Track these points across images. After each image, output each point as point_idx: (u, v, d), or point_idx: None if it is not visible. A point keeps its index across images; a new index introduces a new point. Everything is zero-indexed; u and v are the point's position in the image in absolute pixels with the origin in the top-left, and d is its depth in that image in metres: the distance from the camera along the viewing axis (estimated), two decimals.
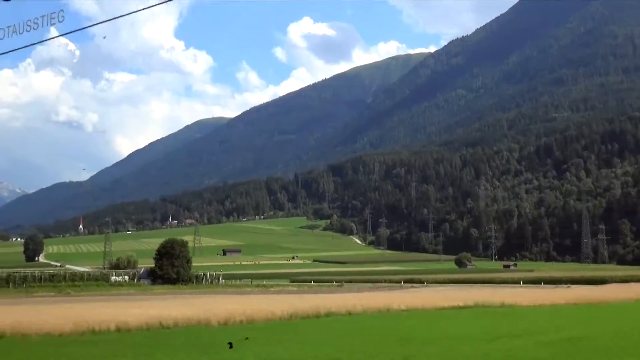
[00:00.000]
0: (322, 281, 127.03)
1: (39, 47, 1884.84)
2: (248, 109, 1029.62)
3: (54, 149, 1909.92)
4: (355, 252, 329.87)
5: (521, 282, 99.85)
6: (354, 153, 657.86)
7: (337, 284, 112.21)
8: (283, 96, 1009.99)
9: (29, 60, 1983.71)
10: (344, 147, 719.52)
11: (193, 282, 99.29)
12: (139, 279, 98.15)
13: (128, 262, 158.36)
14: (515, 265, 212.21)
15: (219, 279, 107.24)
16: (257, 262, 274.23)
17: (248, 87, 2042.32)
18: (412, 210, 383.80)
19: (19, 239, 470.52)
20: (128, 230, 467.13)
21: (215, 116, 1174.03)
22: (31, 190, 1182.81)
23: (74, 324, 26.51)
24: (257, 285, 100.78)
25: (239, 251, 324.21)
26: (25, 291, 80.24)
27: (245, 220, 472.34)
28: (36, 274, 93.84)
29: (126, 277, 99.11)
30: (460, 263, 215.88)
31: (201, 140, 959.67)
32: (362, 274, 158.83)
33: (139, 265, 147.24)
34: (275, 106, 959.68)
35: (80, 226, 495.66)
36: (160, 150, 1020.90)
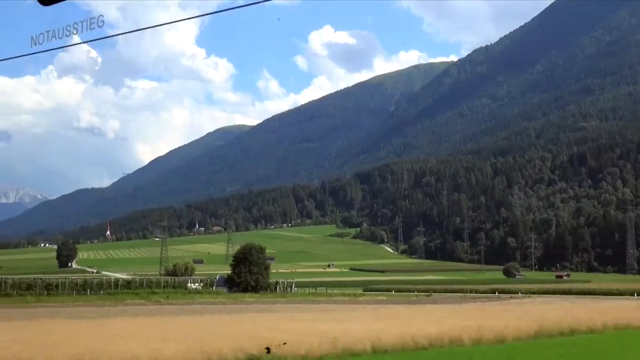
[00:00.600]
0: (401, 290, 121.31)
1: (60, 54, 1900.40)
2: (270, 116, 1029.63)
3: (76, 155, 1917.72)
4: (390, 261, 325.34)
5: (635, 295, 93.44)
6: (377, 161, 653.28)
7: (425, 294, 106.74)
8: (305, 104, 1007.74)
9: (51, 67, 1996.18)
10: (368, 155, 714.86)
11: (271, 290, 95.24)
12: (215, 287, 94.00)
13: (185, 268, 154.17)
14: (568, 275, 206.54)
15: (291, 287, 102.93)
16: (293, 270, 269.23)
17: (269, 95, 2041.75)
18: (444, 219, 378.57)
19: (47, 245, 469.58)
20: (156, 237, 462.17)
21: (236, 124, 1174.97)
22: (53, 197, 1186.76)
23: (330, 343, 22.41)
24: (343, 294, 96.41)
25: (272, 259, 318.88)
26: (114, 299, 75.77)
27: (273, 228, 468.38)
28: (112, 281, 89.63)
29: (199, 285, 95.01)
30: (508, 273, 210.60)
31: (223, 148, 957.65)
32: (421, 283, 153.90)
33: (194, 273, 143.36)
34: (298, 114, 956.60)
35: (108, 232, 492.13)
36: (182, 157, 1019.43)
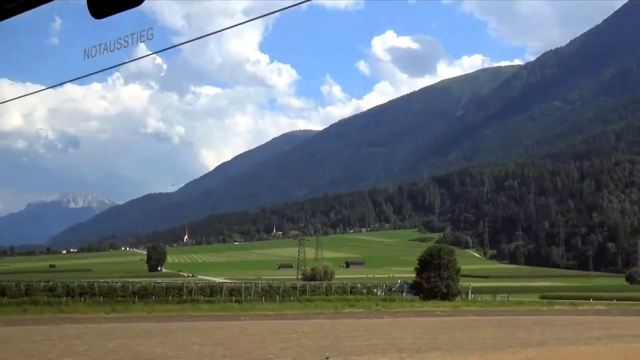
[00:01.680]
0: (571, 298, 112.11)
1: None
2: (336, 121, 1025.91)
3: (142, 161, 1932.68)
4: (481, 267, 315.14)
5: None
6: (447, 166, 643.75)
7: (592, 301, 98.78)
8: (371, 109, 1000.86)
9: (117, 74, 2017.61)
10: (437, 159, 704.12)
11: (461, 297, 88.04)
12: (405, 293, 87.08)
13: (325, 272, 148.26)
14: None
15: (467, 293, 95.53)
16: (389, 275, 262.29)
17: (332, 101, 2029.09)
18: (532, 223, 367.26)
19: (128, 248, 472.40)
20: (235, 241, 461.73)
21: (301, 129, 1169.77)
22: (120, 202, 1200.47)
23: None
24: (542, 303, 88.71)
25: (362, 263, 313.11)
26: (303, 306, 69.50)
27: (352, 232, 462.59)
28: (280, 285, 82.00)
29: (382, 292, 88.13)
30: (632, 279, 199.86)
31: (289, 153, 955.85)
32: (561, 290, 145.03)
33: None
34: (363, 119, 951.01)
35: (186, 236, 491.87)
36: (248, 163, 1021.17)
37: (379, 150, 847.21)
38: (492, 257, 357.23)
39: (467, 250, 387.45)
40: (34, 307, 59.29)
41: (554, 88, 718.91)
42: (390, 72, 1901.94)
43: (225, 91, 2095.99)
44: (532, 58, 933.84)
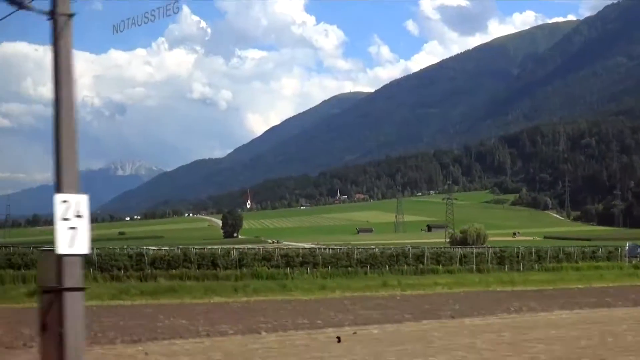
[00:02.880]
0: None
1: (171, 26, 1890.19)
2: (386, 82, 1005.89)
3: (189, 127, 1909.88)
4: (569, 229, 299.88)
5: None
6: (506, 126, 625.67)
7: None
8: (423, 69, 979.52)
9: (161, 38, 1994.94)
10: (495, 119, 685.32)
11: None
12: (628, 256, 74.32)
13: (477, 235, 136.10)
14: None
15: None
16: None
17: (380, 61, 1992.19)
18: (615, 182, 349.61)
19: (191, 215, 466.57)
20: (302, 206, 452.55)
21: (350, 91, 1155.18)
22: (168, 169, 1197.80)
23: None
24: None
25: (444, 227, 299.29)
26: (556, 275, 56.39)
27: (420, 195, 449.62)
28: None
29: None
30: None
31: (340, 116, 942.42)
32: None
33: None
34: (415, 79, 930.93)
35: (248, 202, 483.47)
36: (297, 127, 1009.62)
37: (432, 112, 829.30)
38: (576, 219, 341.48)
39: (546, 212, 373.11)
40: (257, 281, 46.89)
41: (617, 43, 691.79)
42: (440, 31, 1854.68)
43: (271, 54, 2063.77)
44: (587, 13, 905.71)
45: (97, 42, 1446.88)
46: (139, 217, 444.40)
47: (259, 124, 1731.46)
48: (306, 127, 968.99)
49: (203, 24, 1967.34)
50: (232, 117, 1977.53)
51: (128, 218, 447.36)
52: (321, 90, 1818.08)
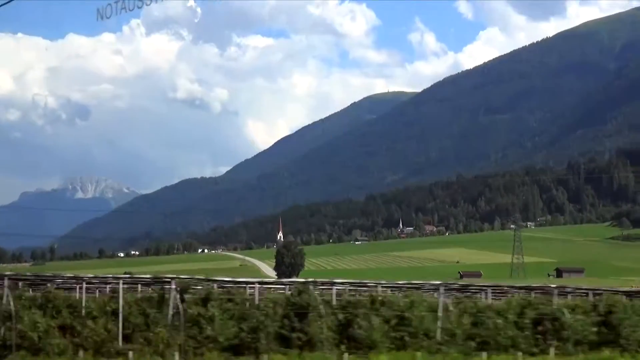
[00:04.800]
0: None
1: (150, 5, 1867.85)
2: (438, 80, 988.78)
3: (172, 136, 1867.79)
4: None
5: None
6: (607, 137, 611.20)
7: None
8: (486, 62, 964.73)
9: (136, 21, 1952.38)
10: (589, 129, 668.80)
11: None
12: None
13: None
14: None
15: None
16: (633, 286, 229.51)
17: (422, 53, 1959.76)
18: None
19: (206, 250, 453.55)
20: (357, 240, 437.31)
21: (389, 90, 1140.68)
22: (144, 190, 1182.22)
23: None
24: None
25: (581, 271, 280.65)
26: None
27: (513, 228, 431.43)
28: None
29: None
30: None
31: (375, 123, 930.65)
32: None
33: None
34: (477, 76, 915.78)
35: (280, 233, 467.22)
36: (316, 138, 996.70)
37: (500, 118, 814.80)
38: None
39: None
40: None
41: None
42: (502, 14, 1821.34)
43: (279, 42, 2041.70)
44: None
45: (51, 24, 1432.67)
46: (137, 254, 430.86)
47: (264, 133, 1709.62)
48: (329, 138, 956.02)
49: (191, 2, 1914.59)
50: (229, 124, 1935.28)
51: (122, 254, 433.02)
52: (345, 90, 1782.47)
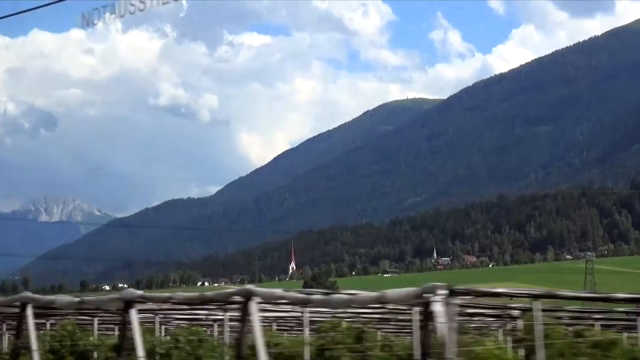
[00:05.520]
0: None
1: None
2: (467, 85, 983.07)
3: (153, 150, 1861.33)
4: None
5: None
6: None
7: None
8: (523, 65, 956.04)
9: (111, 15, 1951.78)
10: None
11: None
12: None
13: None
14: None
15: None
16: None
17: (446, 55, 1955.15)
18: None
19: (224, 284, 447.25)
20: (386, 273, 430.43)
21: (408, 97, 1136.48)
22: (121, 214, 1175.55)
23: None
24: None
25: None
26: None
27: (571, 259, 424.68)
28: None
29: None
30: None
31: (393, 135, 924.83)
32: None
33: None
34: (515, 81, 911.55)
35: (292, 263, 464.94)
36: (324, 152, 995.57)
37: (541, 130, 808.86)
38: None
39: None
40: None
41: None
42: (540, 10, 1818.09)
43: (278, 40, 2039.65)
44: None
45: (11, 18, 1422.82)
46: (125, 286, 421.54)
47: (261, 147, 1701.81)
48: (338, 153, 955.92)
49: None
50: (219, 135, 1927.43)
51: (108, 287, 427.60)
52: (356, 96, 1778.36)
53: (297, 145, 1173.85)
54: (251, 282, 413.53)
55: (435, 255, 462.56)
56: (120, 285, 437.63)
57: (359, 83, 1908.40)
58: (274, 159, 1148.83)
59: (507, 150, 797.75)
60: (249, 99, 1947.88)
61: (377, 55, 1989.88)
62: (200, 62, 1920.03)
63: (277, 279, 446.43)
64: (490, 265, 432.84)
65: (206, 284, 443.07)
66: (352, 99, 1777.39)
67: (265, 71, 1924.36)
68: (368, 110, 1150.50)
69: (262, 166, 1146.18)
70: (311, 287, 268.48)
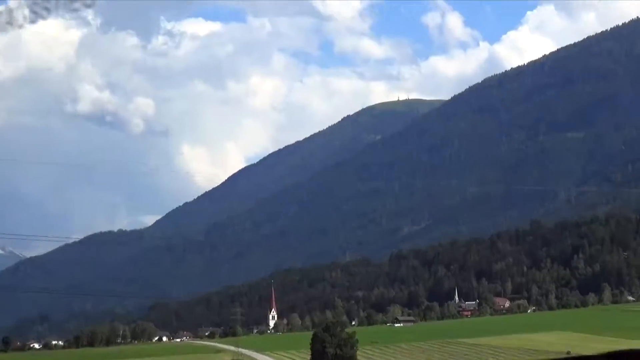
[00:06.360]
0: None
1: None
2: (479, 81, 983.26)
3: (69, 169, 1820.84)
4: None
5: None
6: None
7: None
8: (546, 56, 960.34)
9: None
10: None
11: None
12: None
13: None
14: None
15: None
16: None
17: (444, 44, 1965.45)
18: None
19: (187, 339, 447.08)
20: (396, 321, 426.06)
21: (399, 99, 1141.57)
22: (31, 251, 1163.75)
23: None
24: None
25: None
26: None
27: (634, 302, 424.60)
28: None
29: None
30: None
31: (382, 146, 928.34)
32: None
33: None
34: (535, 77, 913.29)
35: (273, 312, 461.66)
36: (293, 170, 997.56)
37: (571, 138, 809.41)
38: None
39: None
40: None
41: None
42: None
43: (230, 28, 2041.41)
44: None
45: None
46: (60, 343, 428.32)
47: (209, 164, 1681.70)
48: (312, 170, 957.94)
49: None
50: (156, 149, 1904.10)
51: (37, 345, 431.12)
52: (332, 98, 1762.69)
53: (256, 161, 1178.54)
54: (224, 335, 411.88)
55: (456, 298, 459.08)
56: (54, 342, 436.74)
57: (335, 81, 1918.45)
58: (228, 179, 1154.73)
59: (528, 164, 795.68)
60: (192, 103, 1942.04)
61: (357, 46, 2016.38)
62: (131, 56, 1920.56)
63: (255, 330, 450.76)
64: (529, 310, 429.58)
65: (164, 338, 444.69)
66: (327, 101, 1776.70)
67: (214, 67, 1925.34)
68: (348, 116, 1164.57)
69: (212, 189, 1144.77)
70: (324, 343, 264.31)
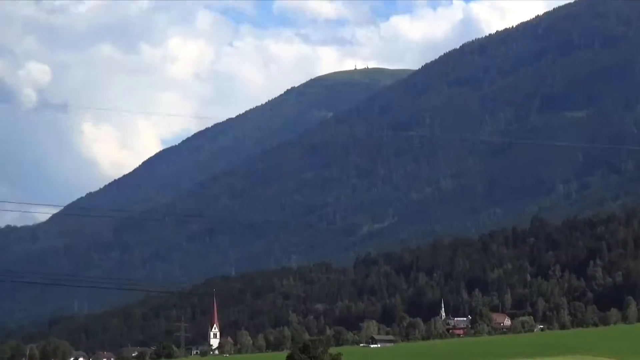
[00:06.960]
0: None
1: None
2: (457, 47, 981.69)
3: None
4: None
5: None
6: None
7: None
8: (540, 17, 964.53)
9: None
10: None
11: None
12: None
13: None
14: None
15: None
16: None
17: (408, 2, 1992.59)
18: None
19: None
20: (372, 342, 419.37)
21: (356, 68, 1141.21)
22: None
23: None
24: None
25: None
26: None
27: None
28: None
29: None
30: None
31: (335, 126, 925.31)
32: None
33: None
34: (526, 41, 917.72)
35: (215, 328, 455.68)
36: (223, 152, 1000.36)
37: (571, 118, 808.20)
38: None
39: None
40: None
41: None
42: None
43: None
44: None
45: None
46: None
47: (118, 145, 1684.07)
48: (247, 154, 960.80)
49: None
50: (52, 127, 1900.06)
51: None
52: (271, 66, 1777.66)
53: (177, 143, 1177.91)
54: (157, 357, 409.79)
55: (443, 312, 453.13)
56: None
57: (273, 45, 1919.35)
58: (142, 165, 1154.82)
59: (517, 149, 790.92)
60: (97, 71, 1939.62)
61: (301, 3, 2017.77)
62: (21, 13, 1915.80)
63: (195, 351, 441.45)
64: (536, 329, 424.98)
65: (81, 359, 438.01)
66: (264, 70, 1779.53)
67: (123, 27, 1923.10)
68: (292, 88, 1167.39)
69: (122, 176, 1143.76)
70: None
